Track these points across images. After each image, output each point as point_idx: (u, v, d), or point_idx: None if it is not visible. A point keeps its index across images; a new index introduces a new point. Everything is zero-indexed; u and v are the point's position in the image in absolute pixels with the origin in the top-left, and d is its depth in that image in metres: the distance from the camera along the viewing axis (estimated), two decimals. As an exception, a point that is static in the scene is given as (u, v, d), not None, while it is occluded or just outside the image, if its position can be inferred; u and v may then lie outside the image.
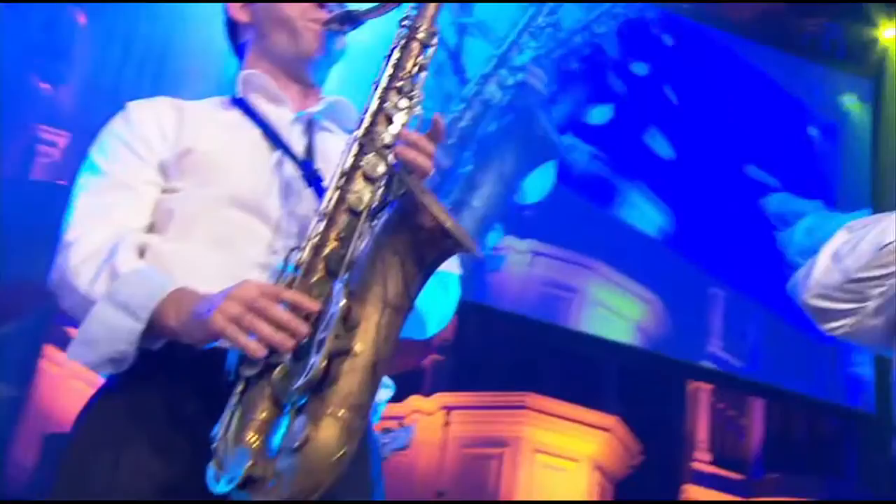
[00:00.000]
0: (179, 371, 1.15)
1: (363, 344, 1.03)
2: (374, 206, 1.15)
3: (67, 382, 5.02)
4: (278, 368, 1.05)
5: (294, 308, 1.06)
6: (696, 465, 6.36)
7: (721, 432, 6.54)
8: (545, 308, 5.24)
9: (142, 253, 1.25)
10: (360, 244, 1.13)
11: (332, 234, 1.14)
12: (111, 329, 1.13)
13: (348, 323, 1.04)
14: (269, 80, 1.38)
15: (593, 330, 5.30)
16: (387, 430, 3.83)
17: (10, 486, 4.55)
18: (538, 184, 5.17)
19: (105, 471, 1.14)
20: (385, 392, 1.32)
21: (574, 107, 5.41)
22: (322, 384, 1.02)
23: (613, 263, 5.27)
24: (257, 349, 1.03)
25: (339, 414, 1.02)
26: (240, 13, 1.44)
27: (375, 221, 1.13)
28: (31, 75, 5.03)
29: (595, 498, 5.87)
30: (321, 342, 1.03)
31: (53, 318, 4.80)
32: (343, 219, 1.15)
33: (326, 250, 1.13)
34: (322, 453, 1.00)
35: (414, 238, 1.06)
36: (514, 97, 5.17)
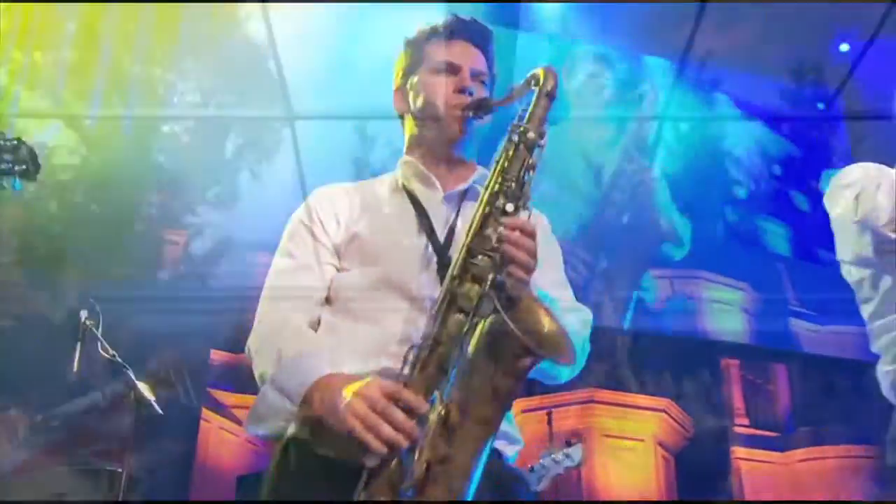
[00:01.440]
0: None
1: (458, 447, 1.12)
2: (479, 310, 1.21)
3: (219, 433, 6.01)
4: (394, 461, 1.15)
5: (407, 409, 1.15)
6: (738, 430, 7.22)
7: (754, 399, 7.41)
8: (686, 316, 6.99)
9: (319, 322, 1.42)
10: (467, 345, 1.19)
11: (444, 334, 1.21)
12: (274, 409, 1.27)
13: (448, 426, 1.12)
14: (420, 165, 1.51)
15: (716, 322, 6.96)
16: (558, 450, 4.13)
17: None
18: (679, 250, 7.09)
19: None
20: (513, 448, 1.42)
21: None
22: (424, 485, 1.12)
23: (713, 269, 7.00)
24: (379, 447, 1.14)
25: None
26: (400, 105, 1.58)
27: (476, 325, 1.19)
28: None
29: (661, 468, 6.76)
30: (422, 448, 1.13)
31: (204, 383, 5.87)
32: (454, 319, 1.21)
33: (439, 349, 1.20)
34: None
35: (504, 351, 1.13)
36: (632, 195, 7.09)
